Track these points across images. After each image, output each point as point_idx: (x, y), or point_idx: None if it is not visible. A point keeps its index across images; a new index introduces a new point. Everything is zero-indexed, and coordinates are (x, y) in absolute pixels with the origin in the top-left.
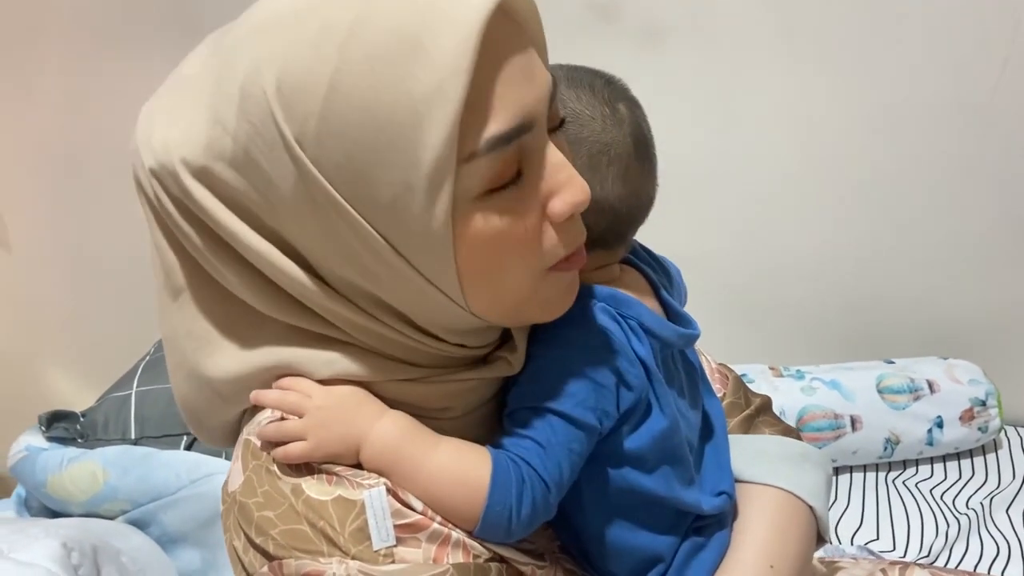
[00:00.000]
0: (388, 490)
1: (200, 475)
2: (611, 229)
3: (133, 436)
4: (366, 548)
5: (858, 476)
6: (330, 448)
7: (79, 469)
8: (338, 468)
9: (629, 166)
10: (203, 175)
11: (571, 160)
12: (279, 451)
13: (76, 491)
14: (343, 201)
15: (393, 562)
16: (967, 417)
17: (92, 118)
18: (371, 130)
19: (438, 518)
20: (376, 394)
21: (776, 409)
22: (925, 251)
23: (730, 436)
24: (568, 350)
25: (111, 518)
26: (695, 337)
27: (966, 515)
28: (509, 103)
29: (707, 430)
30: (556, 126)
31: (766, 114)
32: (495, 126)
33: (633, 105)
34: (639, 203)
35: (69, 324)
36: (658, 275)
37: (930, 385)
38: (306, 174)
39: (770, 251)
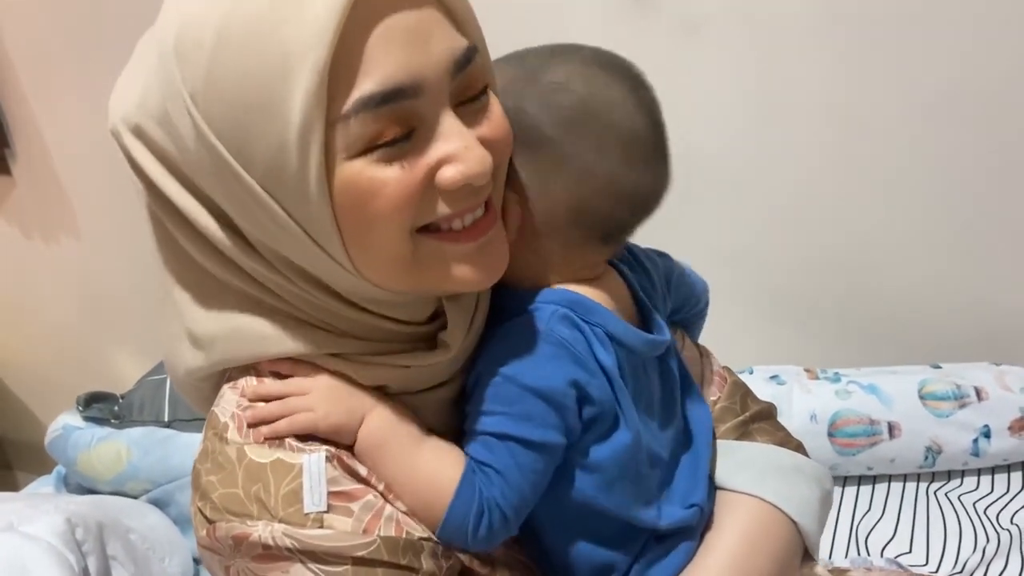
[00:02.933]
0: (330, 457)
1: None
2: (623, 220)
3: (166, 419)
4: (296, 511)
5: (896, 486)
6: (337, 418)
7: (106, 448)
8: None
9: (652, 154)
10: (138, 132)
11: (501, 137)
12: (283, 422)
13: (102, 469)
14: (231, 159)
15: (321, 527)
16: (1017, 427)
17: None
18: (250, 87)
19: (380, 487)
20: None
21: (807, 413)
22: (978, 249)
23: (721, 442)
24: (523, 366)
25: (135, 496)
26: (662, 344)
27: (1008, 531)
28: (386, 65)
29: (686, 439)
30: (474, 95)
31: (806, 105)
32: (367, 87)
33: (651, 93)
34: (655, 193)
35: (132, 310)
36: (637, 275)
37: (978, 392)
38: (200, 131)
39: (810, 247)
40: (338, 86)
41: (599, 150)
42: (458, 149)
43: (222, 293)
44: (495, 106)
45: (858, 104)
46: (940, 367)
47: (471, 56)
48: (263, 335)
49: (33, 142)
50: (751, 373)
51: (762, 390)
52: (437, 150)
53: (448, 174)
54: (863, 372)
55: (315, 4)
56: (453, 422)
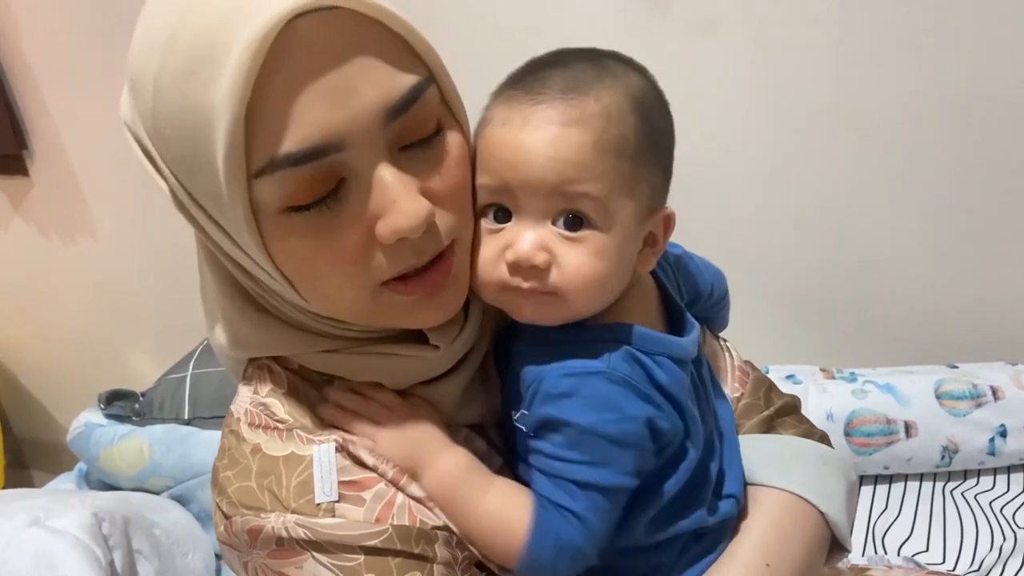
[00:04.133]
0: (339, 447)
1: None
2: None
3: (186, 416)
4: (308, 502)
5: (912, 484)
6: (391, 456)
7: (128, 445)
8: (296, 425)
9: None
10: (141, 140)
11: (452, 184)
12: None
13: (124, 466)
14: (184, 191)
15: (333, 516)
16: None
17: None
18: (186, 134)
19: (389, 474)
20: (307, 368)
21: (824, 412)
22: (994, 247)
23: (746, 437)
24: (595, 412)
25: (157, 493)
26: (696, 342)
27: None
28: (307, 122)
29: (719, 430)
30: (424, 137)
31: (821, 105)
32: (286, 145)
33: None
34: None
35: (148, 309)
36: (663, 270)
37: (994, 392)
38: (156, 162)
39: (825, 247)
40: (256, 144)
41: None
42: (386, 203)
43: (224, 286)
44: (453, 147)
45: (872, 105)
46: (957, 367)
47: (415, 95)
48: (247, 337)
49: (51, 143)
50: (767, 372)
51: None
52: (371, 206)
53: (381, 231)
54: (879, 372)
55: (228, 65)
56: (472, 410)
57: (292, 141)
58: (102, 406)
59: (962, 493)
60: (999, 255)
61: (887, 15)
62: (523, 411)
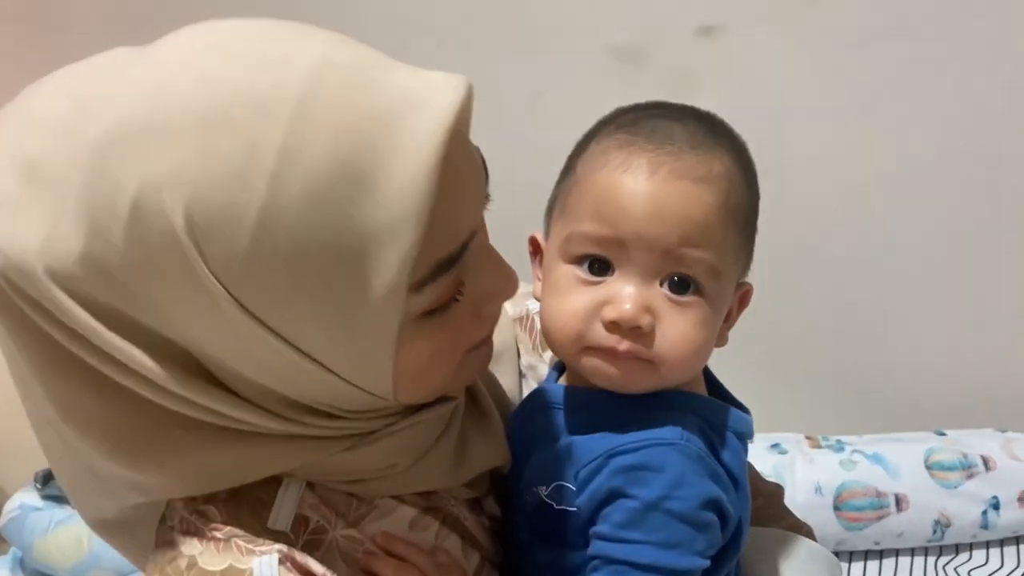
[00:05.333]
0: (283, 559)
1: None
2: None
3: None
4: None
5: (904, 560)
6: None
7: (64, 533)
8: (237, 537)
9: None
10: (76, 286)
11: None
12: None
13: (61, 557)
14: (268, 332)
15: None
16: None
17: None
18: (309, 269)
19: None
20: (320, 471)
21: (812, 485)
22: (982, 311)
23: None
24: (664, 488)
25: None
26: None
27: None
28: (460, 221)
29: None
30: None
31: (803, 162)
32: (446, 248)
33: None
34: None
35: None
36: None
37: (985, 462)
38: (223, 307)
39: (808, 307)
40: (418, 257)
41: None
42: (500, 275)
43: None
44: None
45: (857, 168)
46: (945, 434)
47: (486, 164)
48: (235, 463)
49: None
50: (751, 441)
51: (764, 459)
52: (483, 286)
53: (493, 302)
54: (866, 440)
55: (394, 184)
56: (465, 470)
57: (452, 244)
58: (38, 486)
59: (955, 568)
60: (986, 320)
61: (869, 68)
62: (566, 485)
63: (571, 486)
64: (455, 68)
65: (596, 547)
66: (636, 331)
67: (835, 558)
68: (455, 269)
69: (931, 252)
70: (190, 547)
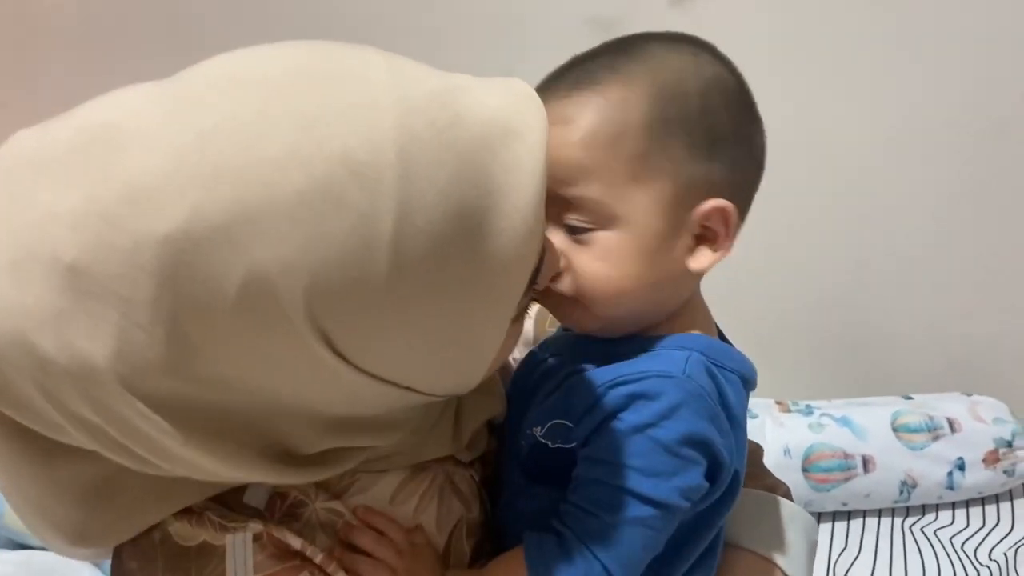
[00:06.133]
0: (258, 535)
1: None
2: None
3: None
4: None
5: (871, 521)
6: None
7: None
8: (212, 511)
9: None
10: (155, 392)
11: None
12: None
13: None
14: (378, 381)
15: None
16: (991, 459)
17: None
18: (436, 323)
19: (317, 558)
20: None
21: (781, 448)
22: (948, 277)
23: None
24: (658, 418)
25: None
26: None
27: (987, 567)
28: (539, 233)
29: None
30: None
31: (775, 130)
32: (537, 257)
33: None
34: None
35: None
36: None
37: (951, 424)
38: (336, 372)
39: (778, 274)
40: None
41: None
42: (552, 262)
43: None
44: None
45: (830, 136)
46: (912, 398)
47: None
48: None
49: None
50: (753, 389)
51: None
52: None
53: (546, 286)
54: (835, 404)
55: (507, 213)
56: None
57: (537, 251)
58: None
59: (921, 529)
60: (953, 285)
61: (846, 42)
62: (564, 423)
63: (569, 423)
64: (432, 45)
65: (578, 467)
66: (558, 276)
67: (812, 519)
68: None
69: (900, 220)
70: (164, 521)
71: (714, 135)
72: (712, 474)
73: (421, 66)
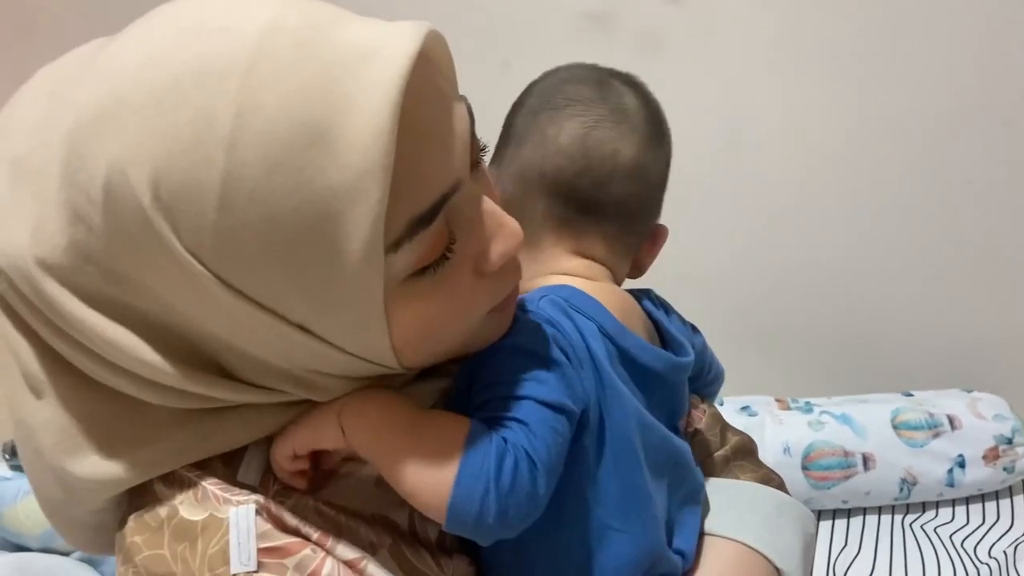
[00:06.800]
0: (260, 509)
1: None
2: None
3: None
4: (223, 573)
5: (871, 519)
6: (306, 432)
7: (33, 502)
8: (213, 485)
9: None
10: (67, 276)
11: (492, 181)
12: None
13: (30, 524)
14: (254, 305)
15: None
16: (991, 456)
17: None
18: (280, 235)
19: (314, 535)
20: None
21: (780, 445)
22: (949, 274)
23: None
24: (522, 339)
25: (66, 554)
26: (684, 366)
27: (987, 564)
28: (431, 175)
29: (687, 483)
30: (477, 159)
31: (771, 125)
32: (420, 204)
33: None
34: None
35: None
36: (668, 318)
37: (951, 421)
38: (207, 283)
39: (777, 271)
40: (391, 214)
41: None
42: (494, 230)
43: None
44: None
45: (823, 130)
46: (912, 395)
47: (472, 117)
48: (223, 437)
49: None
50: (721, 404)
51: (734, 421)
52: (477, 240)
53: (494, 257)
54: (835, 401)
55: (353, 140)
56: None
57: (425, 199)
58: (7, 456)
59: (921, 526)
60: (953, 281)
61: (836, 27)
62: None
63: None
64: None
65: (474, 393)
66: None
67: (807, 510)
68: (435, 224)
69: (898, 215)
70: (171, 493)
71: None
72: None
73: (327, 6)
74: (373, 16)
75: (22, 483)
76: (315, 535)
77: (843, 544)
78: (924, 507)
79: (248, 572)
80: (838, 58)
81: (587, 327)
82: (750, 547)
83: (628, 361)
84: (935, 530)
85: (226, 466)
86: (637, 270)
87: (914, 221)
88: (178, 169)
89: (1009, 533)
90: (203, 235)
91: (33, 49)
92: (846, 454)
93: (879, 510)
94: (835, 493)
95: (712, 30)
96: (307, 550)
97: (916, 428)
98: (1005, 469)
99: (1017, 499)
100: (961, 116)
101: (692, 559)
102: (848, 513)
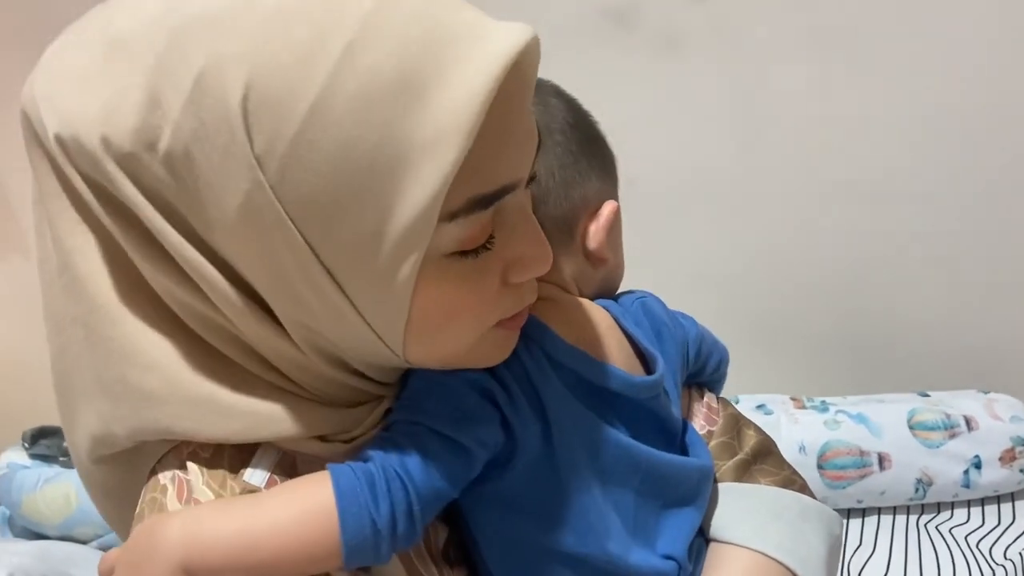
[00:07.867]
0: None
1: None
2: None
3: None
4: None
5: (886, 519)
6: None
7: (53, 491)
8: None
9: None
10: (128, 162)
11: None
12: None
13: (49, 513)
14: (297, 234)
15: None
16: (1008, 458)
17: None
18: (348, 169)
19: None
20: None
21: (796, 444)
22: (966, 273)
23: (721, 485)
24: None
25: (85, 542)
26: (644, 386)
27: (1003, 566)
28: (501, 163)
29: (677, 488)
30: (533, 174)
31: (791, 124)
32: (486, 186)
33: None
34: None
35: None
36: (642, 328)
37: (968, 421)
38: (259, 196)
39: (795, 271)
40: (455, 185)
41: None
42: (530, 242)
43: (216, 362)
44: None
45: (843, 129)
46: (928, 395)
47: (540, 142)
48: (271, 416)
49: None
50: (737, 403)
51: None
52: (514, 250)
53: (524, 268)
54: (851, 401)
55: (449, 99)
56: None
57: (490, 183)
58: (26, 445)
59: (937, 527)
60: (969, 282)
61: (859, 27)
62: None
63: None
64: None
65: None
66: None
67: (832, 511)
68: (490, 210)
69: (915, 213)
70: (178, 504)
71: None
72: (503, 414)
73: None
74: None
75: (41, 471)
76: None
77: (858, 544)
78: (939, 508)
79: None
80: (862, 60)
81: (529, 352)
82: (770, 556)
83: (579, 382)
84: (950, 531)
85: (232, 471)
86: (599, 260)
87: (932, 222)
88: (278, 76)
89: None
90: (276, 144)
91: (33, 49)
92: (862, 454)
93: (894, 510)
94: (850, 493)
95: (736, 30)
96: None
97: (932, 428)
98: (1022, 471)
99: None
100: (984, 116)
101: (687, 562)
102: (863, 513)
